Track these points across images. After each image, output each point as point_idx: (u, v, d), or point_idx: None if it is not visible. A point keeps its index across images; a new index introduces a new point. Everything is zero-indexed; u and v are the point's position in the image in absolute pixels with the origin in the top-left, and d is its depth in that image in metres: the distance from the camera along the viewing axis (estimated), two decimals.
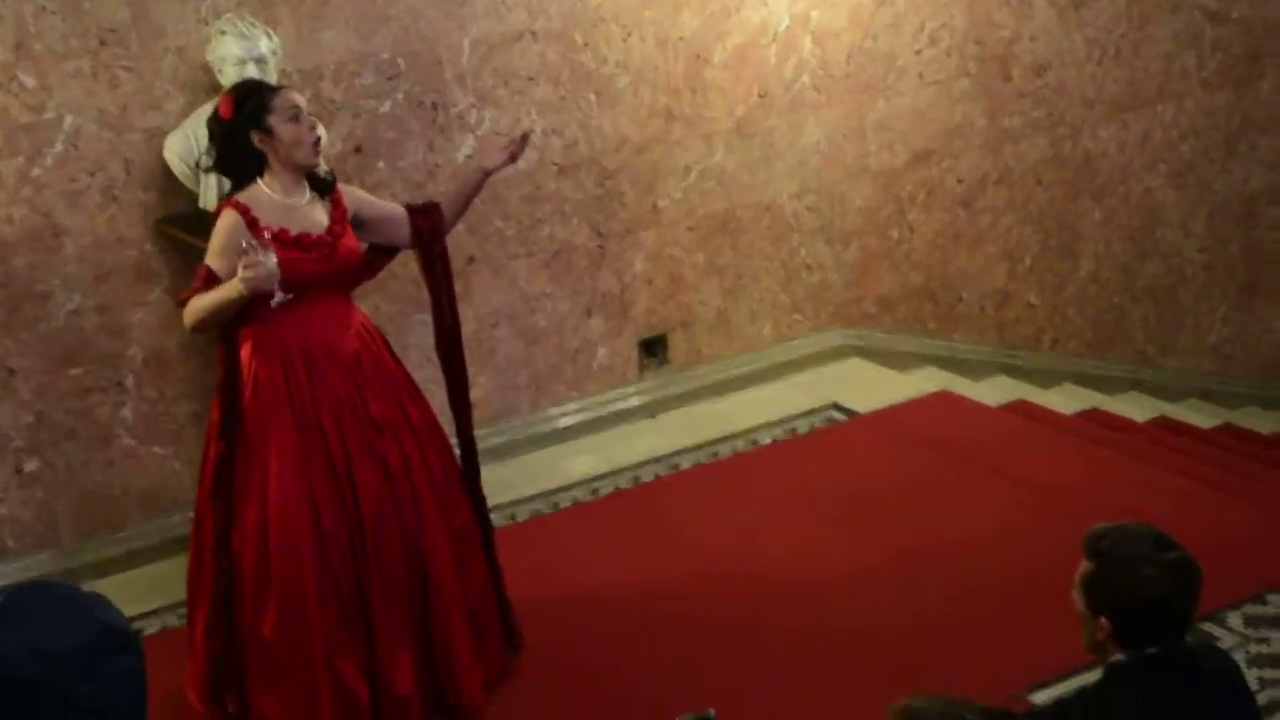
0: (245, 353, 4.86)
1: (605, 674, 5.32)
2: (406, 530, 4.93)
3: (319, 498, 4.82)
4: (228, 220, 4.78)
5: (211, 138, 4.95)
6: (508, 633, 5.31)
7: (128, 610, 5.52)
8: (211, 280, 4.76)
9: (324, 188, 4.97)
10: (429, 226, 5.13)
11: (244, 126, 4.78)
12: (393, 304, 6.63)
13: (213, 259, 4.79)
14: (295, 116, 4.79)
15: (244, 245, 4.65)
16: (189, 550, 5.07)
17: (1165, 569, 3.46)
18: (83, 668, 1.75)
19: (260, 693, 4.89)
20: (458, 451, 5.26)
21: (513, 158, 5.12)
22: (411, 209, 5.18)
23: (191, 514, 5.06)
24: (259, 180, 4.85)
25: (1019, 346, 8.36)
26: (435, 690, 5.01)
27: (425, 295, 6.51)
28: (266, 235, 4.71)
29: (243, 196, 4.82)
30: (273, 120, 4.77)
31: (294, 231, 4.81)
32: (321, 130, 4.97)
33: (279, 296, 4.72)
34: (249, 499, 4.84)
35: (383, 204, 5.23)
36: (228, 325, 4.81)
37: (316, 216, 4.90)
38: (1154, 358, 8.95)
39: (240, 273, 4.62)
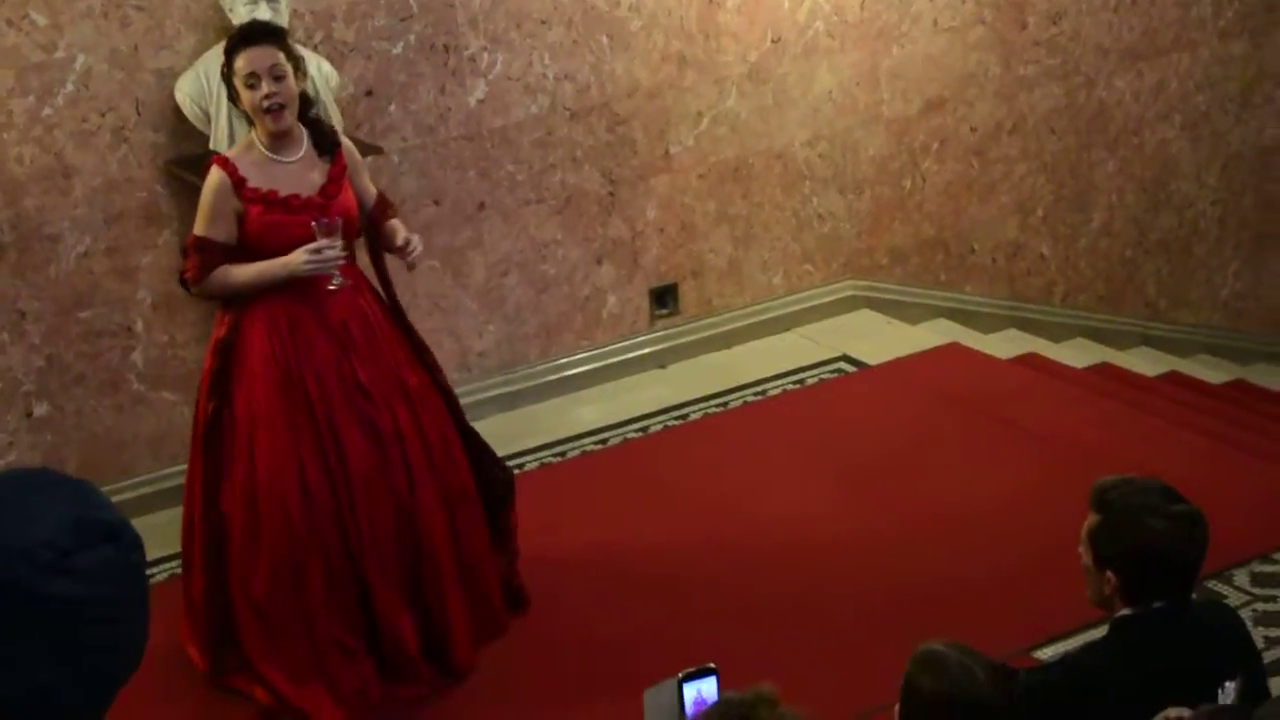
0: (242, 314, 4.81)
1: (606, 627, 5.31)
2: (397, 494, 4.89)
3: (305, 461, 4.79)
4: (214, 181, 4.73)
5: (222, 73, 4.93)
6: (510, 594, 5.28)
7: None
8: (208, 249, 4.73)
9: (325, 144, 4.88)
10: (387, 215, 5.10)
11: (227, 79, 4.79)
12: None
13: (205, 227, 4.75)
14: (251, 83, 4.68)
15: (313, 227, 4.64)
16: (183, 506, 5.06)
17: (1172, 521, 3.46)
18: (55, 563, 1.70)
19: (258, 653, 4.88)
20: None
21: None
22: (383, 199, 5.15)
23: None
24: (252, 132, 4.81)
25: (1030, 300, 8.32)
26: (432, 649, 5.01)
27: (434, 241, 6.54)
28: (326, 222, 4.67)
29: (234, 152, 4.79)
30: (236, 82, 4.72)
31: (283, 192, 4.75)
32: (295, 85, 4.78)
33: (337, 280, 4.74)
34: (237, 459, 4.81)
35: (365, 181, 5.13)
36: None
37: (311, 175, 4.82)
38: (1165, 312, 8.91)
39: (303, 257, 4.65)
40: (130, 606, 1.79)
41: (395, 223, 5.06)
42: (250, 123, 4.85)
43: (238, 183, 4.70)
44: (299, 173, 4.79)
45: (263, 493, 4.78)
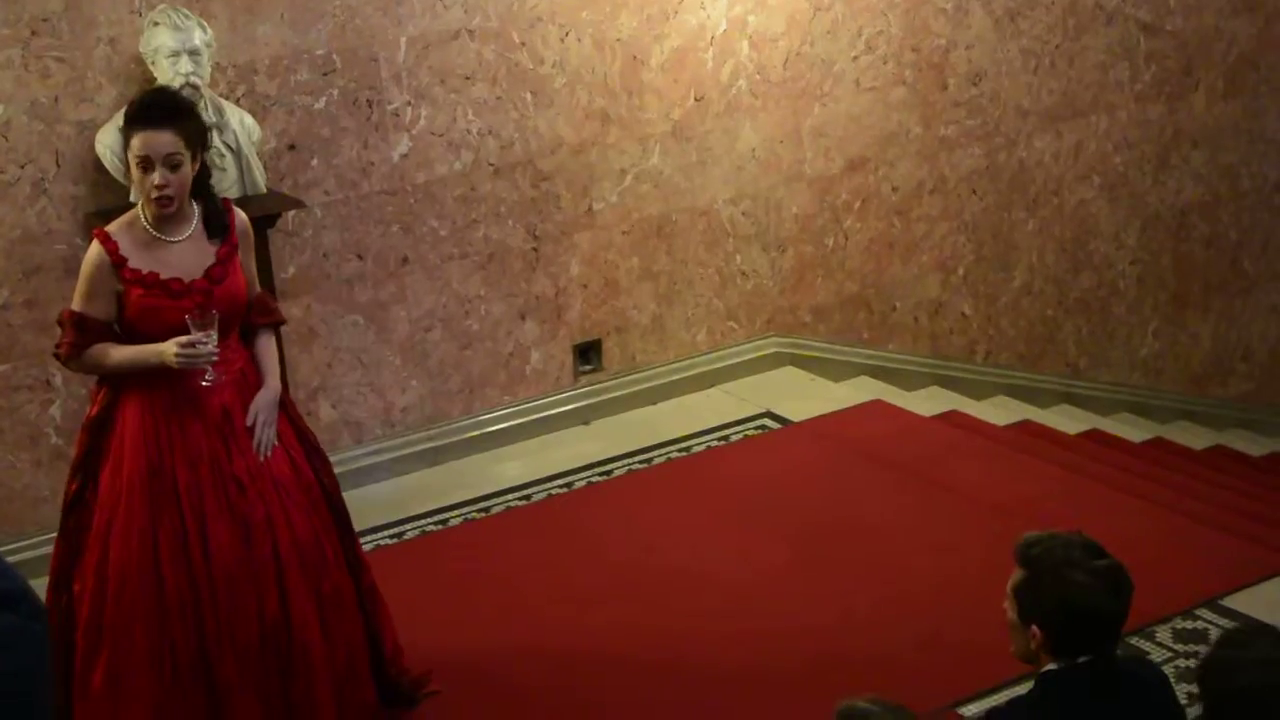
0: (118, 393, 4.59)
1: (530, 685, 5.25)
2: (263, 591, 4.60)
3: (163, 555, 4.52)
4: (93, 258, 4.48)
5: None
6: (386, 689, 4.97)
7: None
8: (85, 326, 4.50)
9: (216, 225, 4.60)
10: (259, 321, 4.81)
11: (121, 151, 4.61)
12: (325, 304, 6.55)
13: (83, 303, 4.51)
14: (144, 166, 4.42)
15: (187, 320, 4.39)
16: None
17: (1096, 576, 3.47)
18: None
19: None
20: None
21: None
22: (262, 301, 4.85)
23: None
24: (139, 206, 4.54)
25: (952, 357, 8.38)
26: None
27: (357, 296, 6.51)
28: (200, 316, 4.41)
29: (116, 226, 4.53)
30: (129, 159, 4.46)
31: (165, 275, 4.48)
32: (190, 173, 4.49)
33: (209, 377, 4.50)
34: (93, 544, 4.58)
35: (252, 267, 4.81)
36: None
37: (196, 256, 4.55)
38: (1086, 370, 8.99)
39: (177, 350, 4.40)
40: (32, 678, 1.73)
41: (262, 348, 4.80)
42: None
43: (117, 263, 4.46)
44: (184, 253, 4.54)
45: (113, 587, 4.53)
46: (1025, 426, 7.86)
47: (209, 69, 5.78)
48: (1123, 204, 8.85)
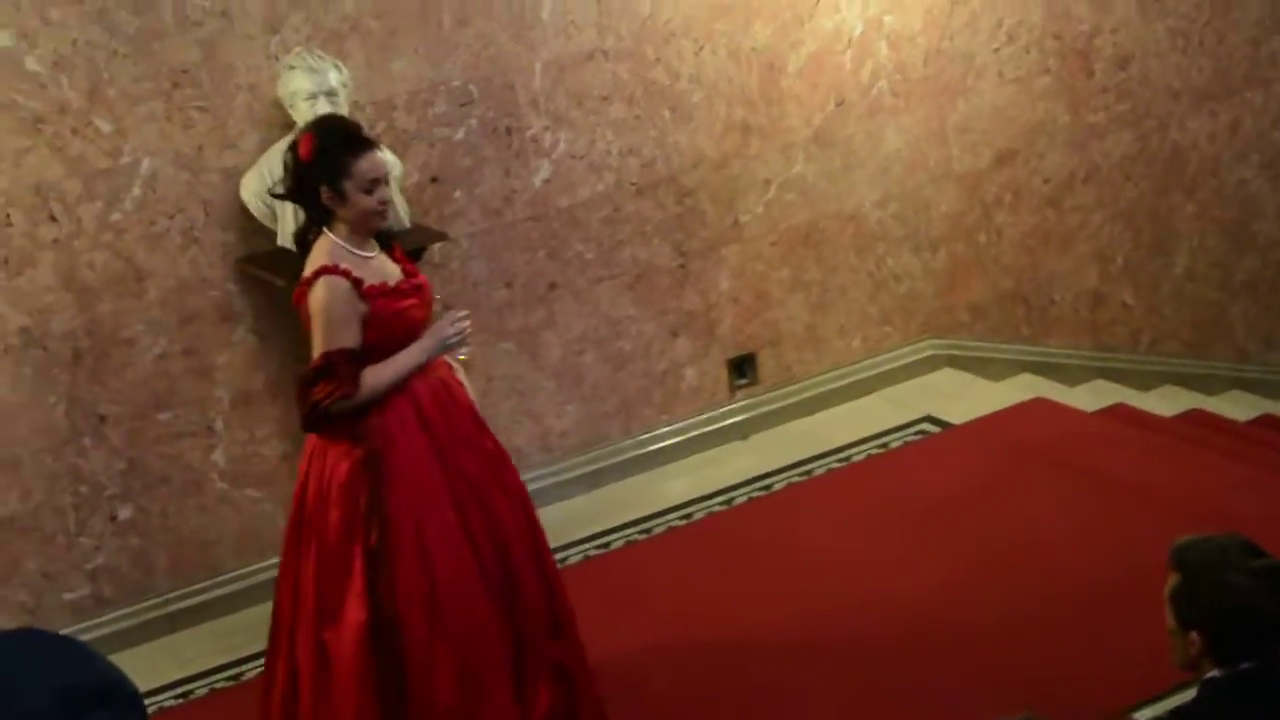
0: (382, 419, 4.64)
1: (703, 699, 5.24)
2: (534, 555, 4.84)
3: (479, 542, 4.69)
4: (336, 291, 4.53)
5: (286, 168, 4.77)
6: None
7: (228, 656, 5.53)
8: (351, 359, 4.55)
9: (384, 238, 4.80)
10: None
11: (317, 178, 4.60)
12: (476, 334, 6.55)
13: (337, 339, 4.54)
14: (371, 189, 4.59)
15: (442, 308, 4.64)
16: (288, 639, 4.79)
17: (1253, 577, 3.37)
18: None
19: None
20: None
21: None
22: None
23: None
24: (329, 233, 4.64)
25: (1115, 349, 8.21)
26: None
27: (508, 324, 6.54)
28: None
29: (327, 260, 4.59)
30: (348, 186, 4.57)
31: (391, 283, 4.66)
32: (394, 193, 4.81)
33: (467, 349, 4.79)
34: (404, 566, 4.61)
35: None
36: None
37: (388, 265, 4.75)
38: (1256, 354, 8.76)
39: (451, 329, 4.67)
40: None
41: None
42: (322, 220, 4.67)
43: (355, 283, 4.57)
44: (382, 264, 4.72)
45: (444, 584, 4.63)
46: (1194, 416, 7.69)
47: (347, 108, 5.82)
48: None
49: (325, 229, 4.66)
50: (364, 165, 4.58)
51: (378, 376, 4.60)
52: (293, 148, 4.71)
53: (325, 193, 4.60)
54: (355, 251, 4.64)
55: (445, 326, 4.70)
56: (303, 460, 4.79)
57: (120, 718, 1.70)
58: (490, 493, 4.76)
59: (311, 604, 4.68)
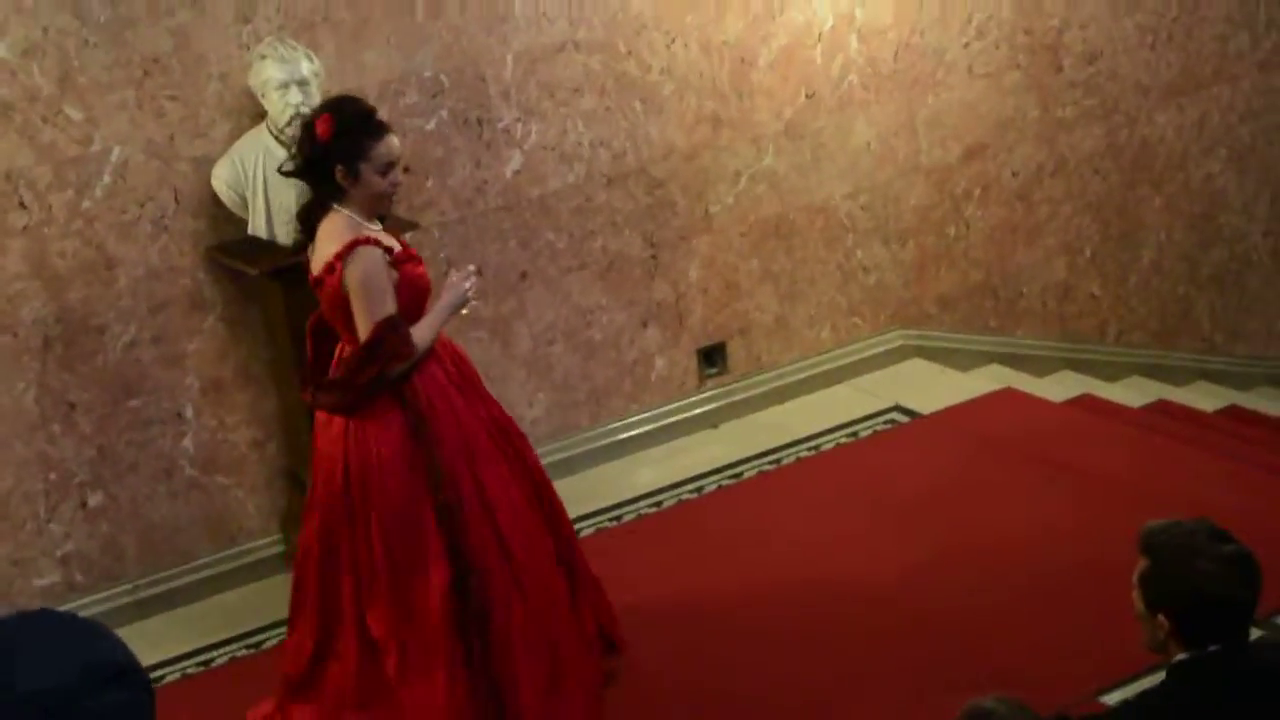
0: (417, 381, 4.81)
1: (671, 684, 5.28)
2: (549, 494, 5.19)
3: (525, 487, 4.99)
4: (377, 260, 4.69)
5: (299, 146, 4.91)
6: None
7: (198, 642, 5.58)
8: (400, 321, 4.72)
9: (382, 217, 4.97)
10: None
11: (334, 159, 4.72)
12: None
13: (387, 305, 4.70)
14: (386, 171, 4.76)
15: (446, 268, 4.90)
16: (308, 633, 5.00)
17: (1221, 563, 3.40)
18: (62, 707, 1.69)
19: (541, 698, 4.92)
20: None
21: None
22: None
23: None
24: (341, 209, 4.77)
25: (1083, 340, 8.27)
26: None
27: (479, 312, 6.55)
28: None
29: (349, 233, 4.72)
30: (364, 168, 4.72)
31: (403, 250, 4.85)
32: None
33: (471, 305, 4.97)
34: (476, 521, 4.83)
35: None
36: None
37: (390, 238, 4.90)
38: (1222, 345, 8.83)
39: (468, 284, 4.88)
40: None
41: None
42: (331, 198, 4.79)
43: (386, 252, 4.74)
44: (387, 236, 4.87)
45: (510, 535, 4.87)
46: (1161, 406, 7.75)
47: (319, 97, 5.84)
48: (1252, 175, 8.68)
49: (337, 205, 4.78)
50: (381, 148, 4.74)
51: (421, 337, 4.78)
52: (308, 126, 4.84)
53: (340, 172, 4.73)
54: (369, 225, 4.79)
55: (461, 283, 4.88)
56: (326, 444, 4.89)
57: (136, 698, 1.76)
58: (515, 439, 5.05)
59: (385, 575, 4.82)
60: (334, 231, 4.76)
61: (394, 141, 4.80)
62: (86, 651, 1.74)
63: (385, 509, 4.78)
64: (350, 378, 4.73)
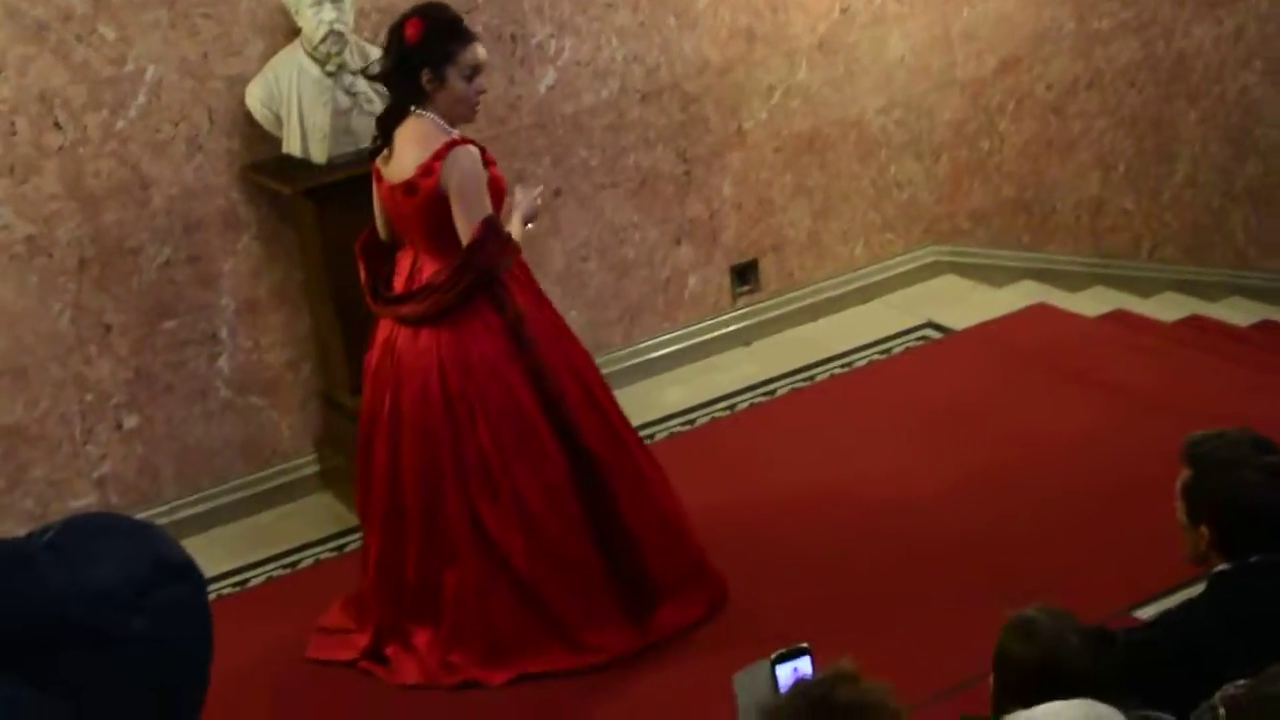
0: (511, 281, 4.92)
1: None
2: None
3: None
4: (477, 159, 4.77)
5: (387, 49, 4.93)
6: None
7: (235, 563, 5.61)
8: (499, 224, 4.81)
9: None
10: None
11: (421, 62, 4.72)
12: None
13: (487, 204, 4.77)
14: (472, 76, 4.77)
15: (517, 187, 5.00)
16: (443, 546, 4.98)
17: (1264, 472, 3.42)
18: (133, 602, 1.74)
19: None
20: None
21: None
22: None
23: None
24: (427, 114, 4.77)
25: (1116, 255, 8.22)
26: None
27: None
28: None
29: (448, 134, 4.77)
30: (450, 72, 4.73)
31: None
32: None
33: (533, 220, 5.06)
34: (583, 406, 4.96)
35: None
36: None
37: None
38: (1256, 260, 8.77)
39: (538, 202, 5.00)
40: (200, 644, 1.82)
41: None
42: (414, 102, 4.80)
43: (481, 151, 4.81)
44: None
45: (617, 421, 5.07)
46: (1194, 321, 7.71)
47: (352, 14, 5.81)
48: None
49: (421, 109, 4.78)
50: (468, 54, 4.76)
51: (516, 236, 4.89)
52: (396, 29, 4.82)
53: (426, 76, 4.73)
54: (454, 131, 4.82)
55: (534, 196, 4.98)
56: (412, 358, 4.88)
57: (199, 589, 1.84)
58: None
59: (500, 475, 4.85)
60: (422, 135, 4.77)
61: (480, 49, 4.83)
62: (158, 549, 1.81)
63: (490, 411, 4.82)
64: (455, 278, 4.75)
